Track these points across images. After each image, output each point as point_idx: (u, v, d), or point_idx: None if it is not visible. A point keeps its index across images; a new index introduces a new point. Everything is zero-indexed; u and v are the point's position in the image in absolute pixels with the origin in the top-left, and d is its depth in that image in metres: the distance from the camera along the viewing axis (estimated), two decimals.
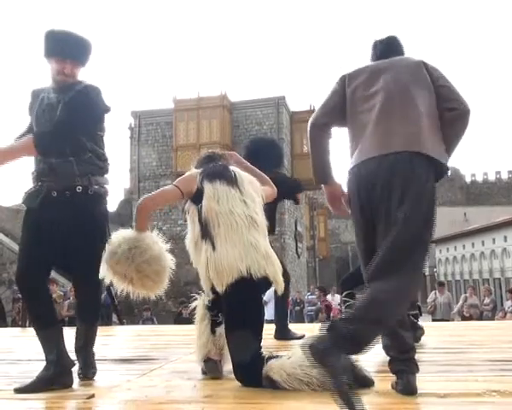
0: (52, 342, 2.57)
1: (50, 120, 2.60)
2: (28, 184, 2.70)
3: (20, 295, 12.59)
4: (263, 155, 4.15)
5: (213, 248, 2.53)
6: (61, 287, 12.63)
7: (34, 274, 2.56)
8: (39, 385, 2.49)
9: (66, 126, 2.58)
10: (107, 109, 2.74)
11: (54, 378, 2.52)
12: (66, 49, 2.64)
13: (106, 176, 2.79)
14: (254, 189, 2.78)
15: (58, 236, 2.57)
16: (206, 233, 2.58)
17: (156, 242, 2.69)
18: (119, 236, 2.62)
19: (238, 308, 2.49)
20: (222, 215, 2.57)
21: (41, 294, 2.61)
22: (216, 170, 2.76)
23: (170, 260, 2.74)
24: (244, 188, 2.69)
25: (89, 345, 2.81)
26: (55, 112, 2.61)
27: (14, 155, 2.56)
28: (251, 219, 2.61)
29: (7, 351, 4.31)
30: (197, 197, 2.65)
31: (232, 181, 2.70)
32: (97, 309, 2.93)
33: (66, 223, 2.57)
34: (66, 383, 2.55)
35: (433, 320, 11.27)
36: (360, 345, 1.97)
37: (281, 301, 4.46)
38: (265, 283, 2.56)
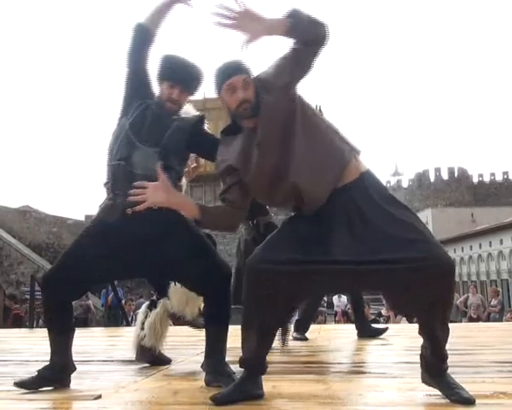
0: (62, 347, 2.58)
1: (155, 137, 2.58)
2: (98, 195, 2.69)
3: (27, 296, 12.67)
4: None
5: None
6: None
7: (71, 286, 2.49)
8: (40, 383, 2.52)
9: (168, 151, 2.57)
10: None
11: (53, 379, 2.56)
12: (177, 75, 2.64)
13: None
14: None
15: (137, 251, 2.51)
16: None
17: None
18: None
19: None
20: None
21: (66, 304, 2.59)
22: None
23: None
24: None
25: (217, 351, 2.63)
26: (161, 132, 2.59)
27: None
28: None
29: (14, 352, 4.34)
30: None
31: None
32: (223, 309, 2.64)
33: (150, 238, 2.49)
34: (63, 384, 2.58)
35: None
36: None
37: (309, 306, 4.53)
38: None
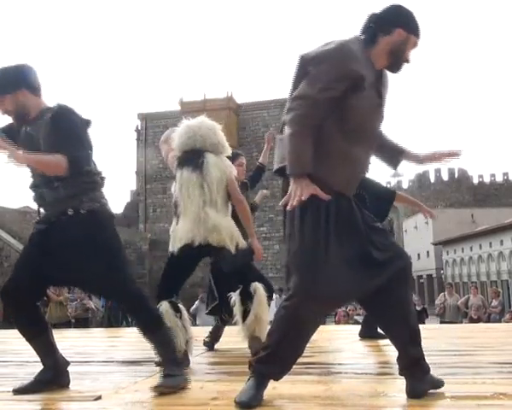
0: (46, 348, 2.61)
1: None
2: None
3: None
4: None
5: (177, 222, 3.37)
6: (68, 288, 12.67)
7: (24, 290, 2.52)
8: (39, 387, 2.54)
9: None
10: (86, 125, 2.66)
11: (52, 380, 2.59)
12: None
13: (100, 191, 2.69)
14: (220, 172, 3.39)
15: (58, 259, 2.53)
16: (175, 211, 3.44)
17: None
18: None
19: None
20: (182, 199, 3.36)
21: (29, 309, 2.60)
22: (188, 157, 3.41)
23: None
24: (207, 172, 3.33)
25: (160, 354, 2.64)
26: (37, 147, 2.55)
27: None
28: (205, 200, 3.32)
29: (15, 353, 4.33)
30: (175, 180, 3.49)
31: (197, 167, 3.34)
32: (140, 317, 2.67)
33: (65, 247, 2.51)
34: (63, 384, 2.61)
35: (442, 322, 11.16)
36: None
37: None
38: (209, 248, 3.29)
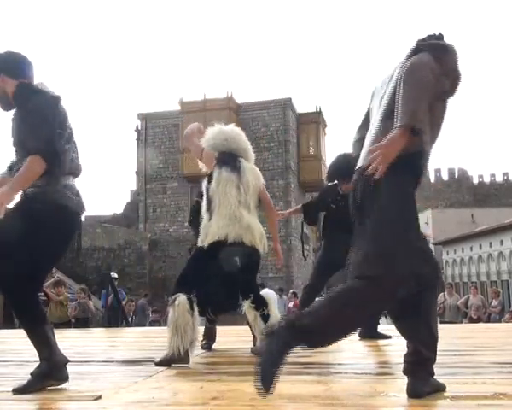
0: (45, 341, 2.58)
1: (13, 138, 2.64)
2: None
3: None
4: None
5: (210, 218, 3.49)
6: (68, 288, 12.68)
7: (21, 279, 2.51)
8: (37, 383, 2.51)
9: (22, 144, 2.55)
10: (54, 101, 2.59)
11: (48, 374, 2.54)
12: None
13: (52, 177, 2.56)
14: (255, 178, 3.64)
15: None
16: (208, 207, 3.53)
17: None
18: None
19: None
20: (218, 196, 3.48)
21: (31, 298, 2.59)
22: (226, 158, 3.59)
23: None
24: (244, 176, 3.55)
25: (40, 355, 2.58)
26: (14, 130, 2.62)
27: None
28: (240, 201, 3.50)
29: (15, 352, 4.34)
30: (210, 177, 3.58)
31: (235, 169, 3.54)
32: (24, 316, 2.63)
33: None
34: (60, 378, 2.57)
35: (442, 322, 11.16)
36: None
37: None
38: (242, 246, 3.43)
